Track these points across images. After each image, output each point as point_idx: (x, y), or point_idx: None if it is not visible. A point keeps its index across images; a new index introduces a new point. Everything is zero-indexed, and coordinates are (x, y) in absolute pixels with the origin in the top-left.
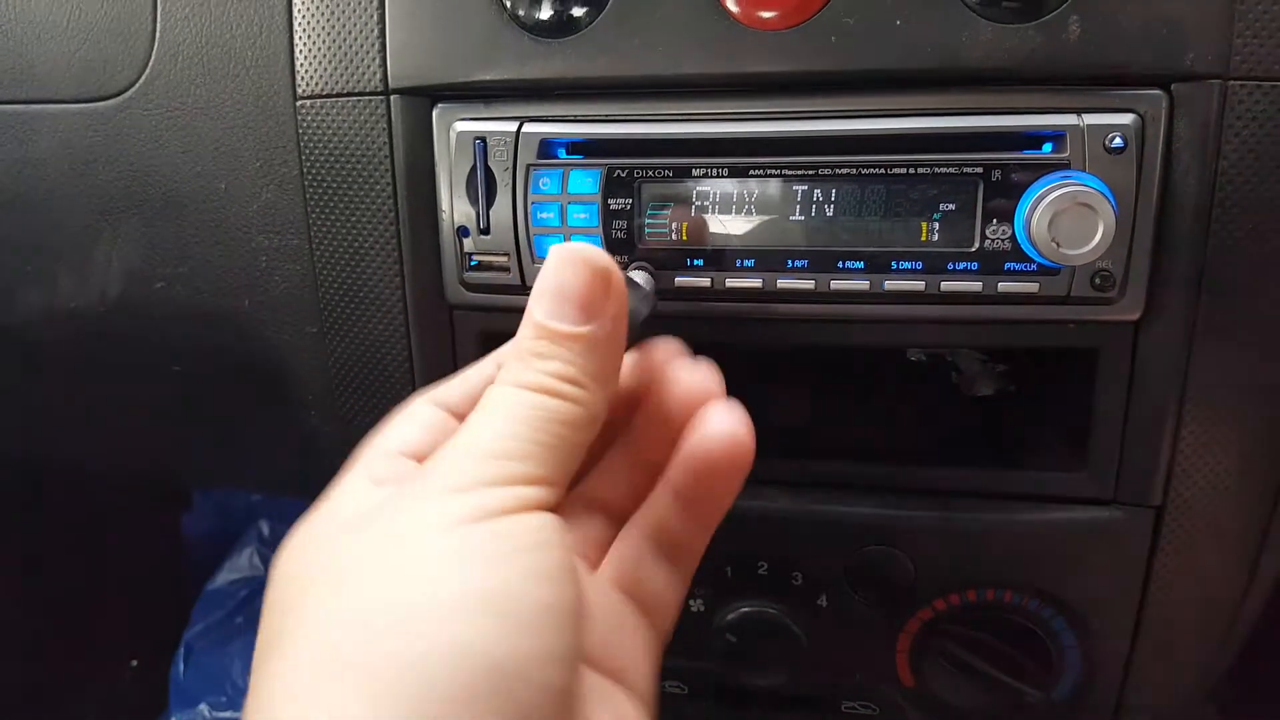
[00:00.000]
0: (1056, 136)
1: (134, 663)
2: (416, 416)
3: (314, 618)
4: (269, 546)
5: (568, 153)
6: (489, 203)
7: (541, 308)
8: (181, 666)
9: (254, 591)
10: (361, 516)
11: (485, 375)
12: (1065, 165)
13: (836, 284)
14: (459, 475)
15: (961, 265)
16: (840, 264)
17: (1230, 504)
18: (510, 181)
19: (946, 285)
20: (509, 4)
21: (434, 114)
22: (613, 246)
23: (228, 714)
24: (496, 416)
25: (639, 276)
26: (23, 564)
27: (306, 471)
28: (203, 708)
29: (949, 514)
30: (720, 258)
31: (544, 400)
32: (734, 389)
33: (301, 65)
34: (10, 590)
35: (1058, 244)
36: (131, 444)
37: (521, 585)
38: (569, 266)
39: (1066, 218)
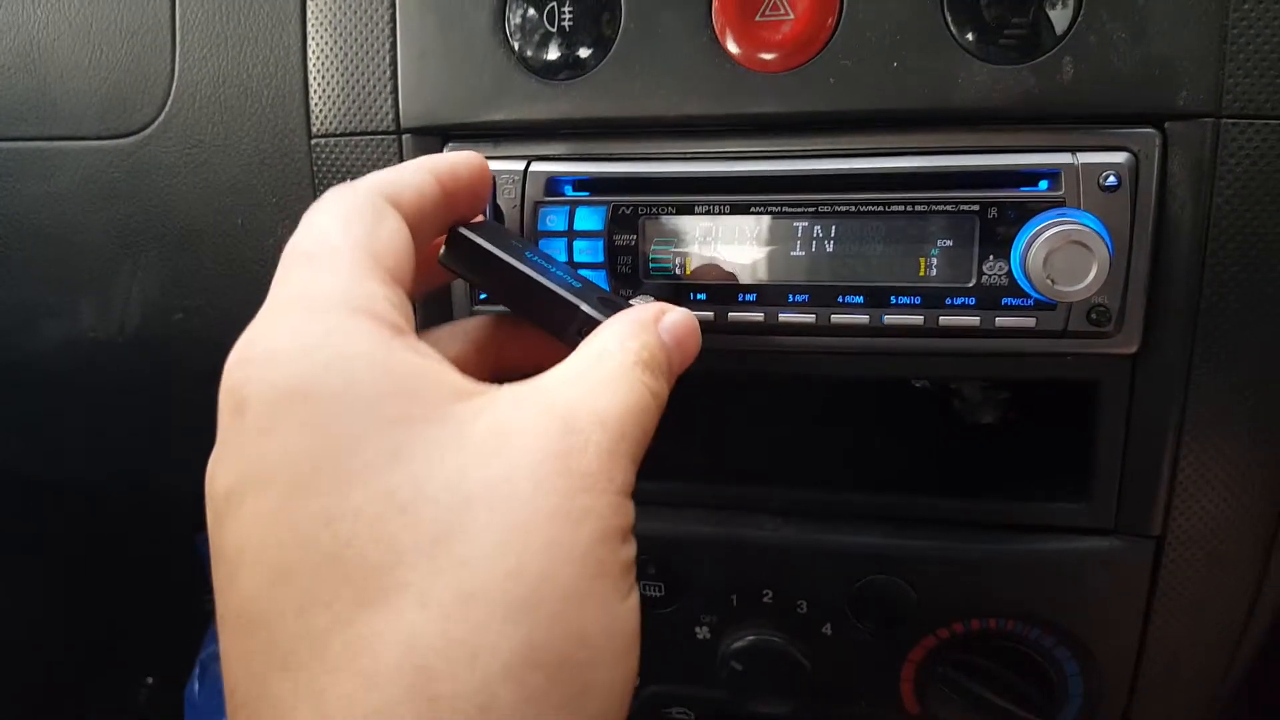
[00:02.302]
0: (1051, 174)
1: (149, 680)
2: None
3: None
4: None
5: (574, 190)
6: None
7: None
8: (197, 685)
9: None
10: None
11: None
12: (1060, 203)
13: (837, 318)
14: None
15: (959, 300)
16: (840, 298)
17: (1230, 534)
18: (519, 218)
19: (945, 320)
20: (517, 47)
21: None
22: (618, 281)
23: None
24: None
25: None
26: (41, 582)
27: None
28: None
29: (951, 543)
30: (723, 292)
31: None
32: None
33: (316, 105)
34: (27, 607)
35: (1053, 281)
36: (150, 467)
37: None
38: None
39: (1061, 255)
